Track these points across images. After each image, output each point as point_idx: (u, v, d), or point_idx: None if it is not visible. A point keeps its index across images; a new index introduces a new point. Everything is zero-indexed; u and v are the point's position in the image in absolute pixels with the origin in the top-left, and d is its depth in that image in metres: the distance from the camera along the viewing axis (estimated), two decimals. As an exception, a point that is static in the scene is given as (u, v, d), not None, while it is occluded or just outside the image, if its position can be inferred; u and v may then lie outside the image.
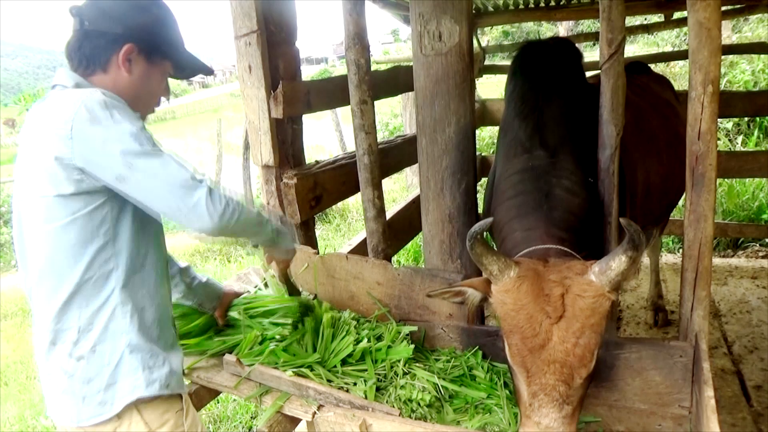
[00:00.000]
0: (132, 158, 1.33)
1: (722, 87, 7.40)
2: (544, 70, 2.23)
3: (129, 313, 1.44)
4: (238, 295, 2.16)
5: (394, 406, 1.71)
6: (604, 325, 1.43)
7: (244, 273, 2.58)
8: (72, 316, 1.41)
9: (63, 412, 1.45)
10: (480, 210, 2.53)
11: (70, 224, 1.37)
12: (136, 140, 1.34)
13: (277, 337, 1.96)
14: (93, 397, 1.41)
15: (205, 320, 2.06)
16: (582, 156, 2.04)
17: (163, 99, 1.68)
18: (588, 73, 2.64)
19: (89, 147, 1.32)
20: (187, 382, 1.98)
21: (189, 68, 1.66)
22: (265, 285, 2.28)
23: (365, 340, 1.93)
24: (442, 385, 1.84)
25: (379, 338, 1.99)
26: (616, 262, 1.39)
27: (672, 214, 3.36)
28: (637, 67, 3.52)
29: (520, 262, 1.55)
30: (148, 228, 1.50)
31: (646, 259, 4.31)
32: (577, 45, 2.53)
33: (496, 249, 1.71)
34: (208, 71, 1.74)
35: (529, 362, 1.45)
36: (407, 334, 2.03)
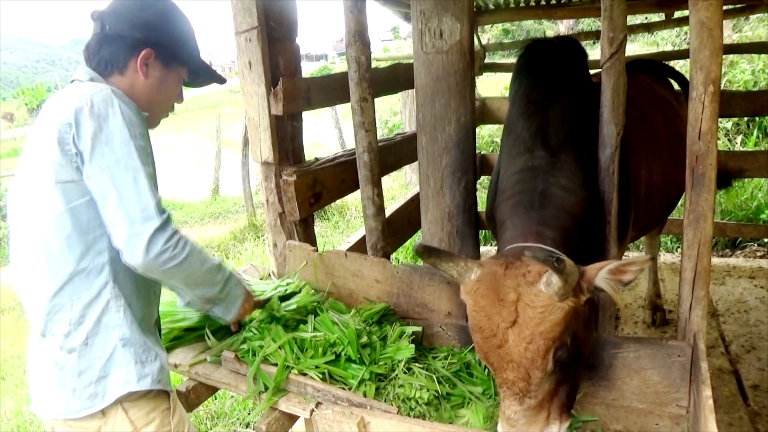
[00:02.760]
0: (111, 161, 1.35)
1: (722, 87, 7.40)
2: (548, 70, 2.22)
3: (122, 307, 1.45)
4: None
5: (392, 404, 1.71)
6: (559, 330, 1.47)
7: (243, 269, 2.58)
8: (64, 307, 1.41)
9: (51, 405, 1.45)
10: (480, 208, 2.53)
11: (67, 212, 1.38)
12: (124, 146, 1.37)
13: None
14: (83, 390, 1.42)
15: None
16: (585, 155, 2.04)
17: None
18: (590, 71, 2.64)
19: (82, 136, 1.35)
20: (185, 378, 1.99)
21: (203, 76, 1.72)
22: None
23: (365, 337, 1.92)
24: (439, 379, 1.85)
25: (383, 338, 1.98)
26: (554, 278, 1.44)
27: (670, 214, 3.36)
28: (649, 66, 3.53)
29: (483, 264, 1.60)
30: None
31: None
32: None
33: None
34: (221, 81, 1.79)
35: (491, 358, 1.54)
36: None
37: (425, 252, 1.57)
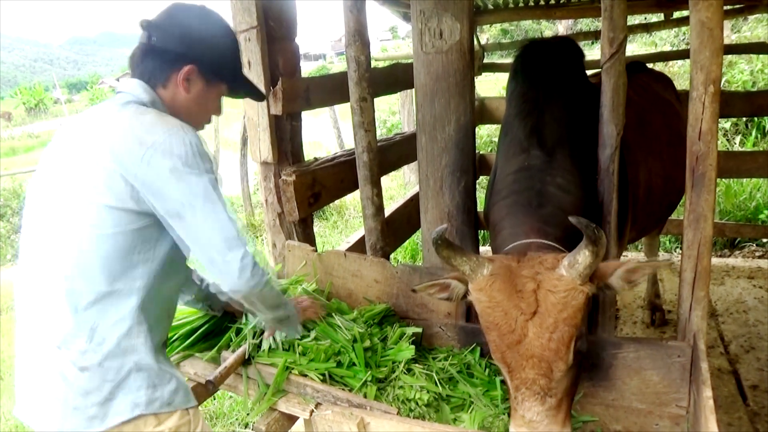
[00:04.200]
0: (191, 197, 1.38)
1: (721, 87, 7.41)
2: (545, 70, 2.23)
3: (143, 332, 1.44)
4: None
5: (392, 405, 1.71)
6: (580, 317, 1.44)
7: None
8: (86, 324, 1.38)
9: (44, 416, 1.40)
10: (480, 208, 2.53)
11: (116, 235, 1.38)
12: (204, 190, 1.40)
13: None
14: (85, 410, 1.37)
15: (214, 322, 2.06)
16: (582, 156, 2.04)
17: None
18: (588, 72, 2.64)
19: (161, 178, 1.36)
20: (184, 378, 1.98)
21: (243, 91, 1.73)
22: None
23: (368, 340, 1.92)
24: (440, 381, 1.84)
25: (383, 339, 1.98)
26: (581, 256, 1.41)
27: (671, 215, 3.36)
28: (635, 67, 3.51)
29: (494, 259, 1.57)
30: (180, 255, 1.53)
31: (643, 259, 4.32)
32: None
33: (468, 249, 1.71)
34: (261, 97, 1.81)
35: (508, 357, 1.47)
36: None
37: (443, 244, 1.51)
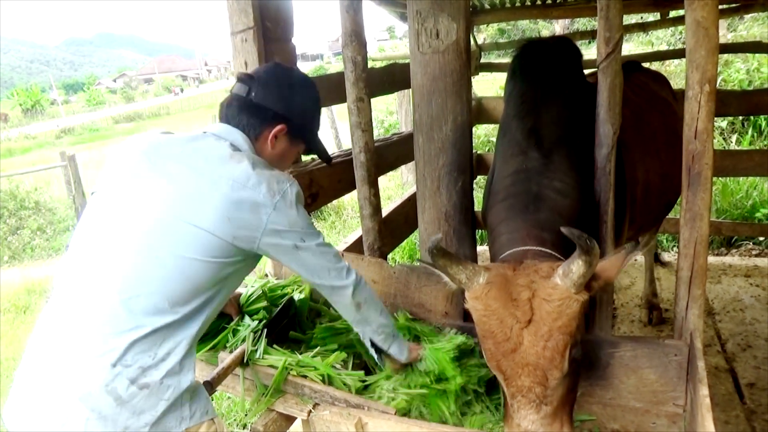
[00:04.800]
0: (306, 239, 1.55)
1: (717, 86, 7.42)
2: (543, 70, 2.23)
3: (194, 351, 1.49)
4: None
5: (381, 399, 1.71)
6: (575, 325, 1.44)
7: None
8: (156, 342, 1.37)
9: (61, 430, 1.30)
10: (477, 208, 2.53)
11: (210, 263, 1.43)
12: (309, 227, 1.58)
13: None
14: (137, 430, 1.33)
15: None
16: (580, 156, 2.04)
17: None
18: (585, 71, 2.64)
19: (282, 222, 1.49)
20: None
21: (315, 151, 1.84)
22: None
23: None
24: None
25: None
26: (575, 265, 1.42)
27: (668, 213, 3.37)
28: (631, 66, 3.52)
29: (490, 267, 1.58)
30: (240, 282, 1.67)
31: (641, 258, 4.33)
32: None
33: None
34: (329, 160, 1.95)
35: (504, 366, 1.47)
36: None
37: (439, 253, 1.52)
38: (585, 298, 1.46)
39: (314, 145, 1.81)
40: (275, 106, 1.63)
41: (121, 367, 1.32)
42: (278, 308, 2.10)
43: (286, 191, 1.50)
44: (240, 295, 2.10)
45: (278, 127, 1.63)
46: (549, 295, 1.44)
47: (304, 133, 1.74)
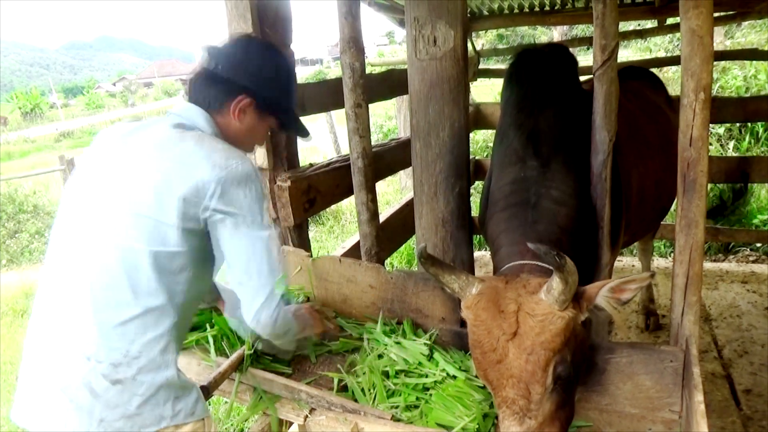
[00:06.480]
0: (248, 225, 1.46)
1: (714, 92, 7.46)
2: (539, 78, 2.24)
3: (175, 348, 1.46)
4: None
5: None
6: (559, 342, 1.45)
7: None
8: (126, 338, 1.37)
9: (58, 426, 1.35)
10: (474, 214, 2.54)
11: (176, 254, 1.41)
12: (255, 212, 1.48)
13: None
14: (111, 423, 1.35)
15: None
16: (577, 163, 2.05)
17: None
18: (582, 78, 2.65)
19: (224, 199, 1.43)
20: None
21: (291, 128, 1.77)
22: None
23: None
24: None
25: None
26: (554, 282, 1.43)
27: (664, 219, 3.38)
28: (626, 72, 3.53)
29: (484, 279, 1.60)
30: (211, 270, 1.57)
31: (638, 264, 4.34)
32: (571, 50, 2.54)
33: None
34: (307, 136, 1.84)
35: (490, 375, 1.50)
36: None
37: (428, 261, 1.54)
38: (571, 315, 1.47)
39: (287, 121, 1.74)
40: (239, 77, 1.57)
41: (95, 362, 1.35)
42: None
43: (231, 166, 1.44)
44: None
45: (243, 101, 1.58)
46: (532, 310, 1.47)
47: (274, 108, 1.67)
